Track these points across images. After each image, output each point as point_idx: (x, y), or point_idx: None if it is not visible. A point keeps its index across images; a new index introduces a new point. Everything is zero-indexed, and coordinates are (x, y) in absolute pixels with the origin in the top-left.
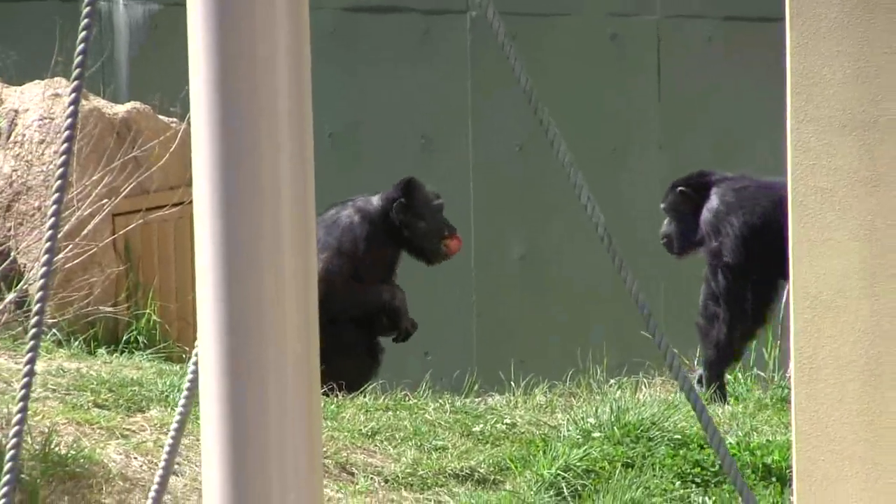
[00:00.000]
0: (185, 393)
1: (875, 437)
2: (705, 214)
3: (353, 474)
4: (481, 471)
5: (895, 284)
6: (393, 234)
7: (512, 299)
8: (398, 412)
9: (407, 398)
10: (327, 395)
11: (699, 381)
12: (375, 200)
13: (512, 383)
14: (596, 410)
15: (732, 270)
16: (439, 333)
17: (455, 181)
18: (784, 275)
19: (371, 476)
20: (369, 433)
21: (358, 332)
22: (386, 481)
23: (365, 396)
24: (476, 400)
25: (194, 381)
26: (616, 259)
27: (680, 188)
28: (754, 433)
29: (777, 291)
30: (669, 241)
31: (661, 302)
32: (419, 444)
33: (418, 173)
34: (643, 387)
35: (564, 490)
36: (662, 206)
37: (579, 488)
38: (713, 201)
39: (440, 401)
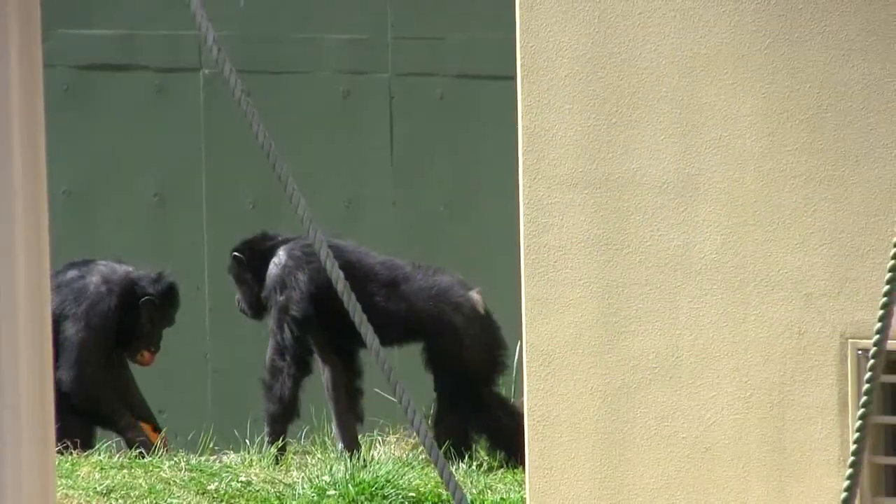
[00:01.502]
0: None
1: (608, 494)
2: (272, 269)
3: None
4: None
5: (628, 341)
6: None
7: (246, 356)
8: (133, 470)
9: (142, 456)
10: (62, 453)
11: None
12: (121, 272)
13: (247, 441)
14: (331, 468)
15: (298, 324)
16: (173, 390)
17: (188, 237)
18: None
19: None
20: (104, 491)
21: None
22: None
23: (100, 454)
24: (211, 458)
25: None
26: (356, 316)
27: (235, 253)
28: (489, 491)
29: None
30: (242, 306)
31: (397, 359)
32: (154, 502)
33: (153, 230)
34: (378, 444)
35: None
36: (229, 274)
37: None
38: (280, 257)
39: (175, 459)
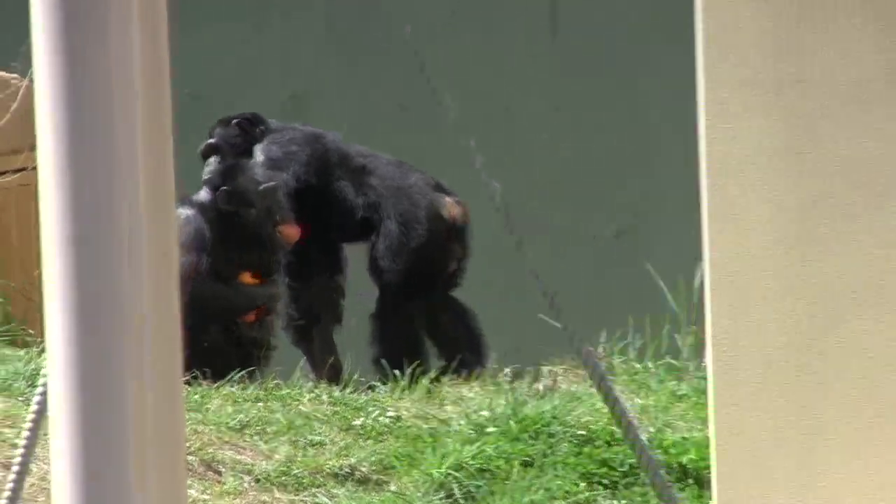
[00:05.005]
0: (39, 390)
1: (800, 436)
2: (256, 169)
3: (220, 473)
4: (363, 469)
5: (823, 262)
6: (233, 226)
7: None
8: (270, 403)
9: (279, 387)
10: (190, 384)
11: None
12: (203, 192)
13: (395, 371)
14: (490, 402)
15: None
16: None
17: None
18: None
19: (240, 475)
20: (238, 427)
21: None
22: (257, 481)
23: (232, 385)
24: (356, 390)
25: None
26: (513, 233)
27: (236, 121)
28: (668, 429)
29: (338, 253)
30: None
31: (559, 281)
32: (293, 439)
33: None
34: (543, 376)
35: (456, 491)
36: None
37: (472, 490)
38: (258, 156)
39: (316, 391)
